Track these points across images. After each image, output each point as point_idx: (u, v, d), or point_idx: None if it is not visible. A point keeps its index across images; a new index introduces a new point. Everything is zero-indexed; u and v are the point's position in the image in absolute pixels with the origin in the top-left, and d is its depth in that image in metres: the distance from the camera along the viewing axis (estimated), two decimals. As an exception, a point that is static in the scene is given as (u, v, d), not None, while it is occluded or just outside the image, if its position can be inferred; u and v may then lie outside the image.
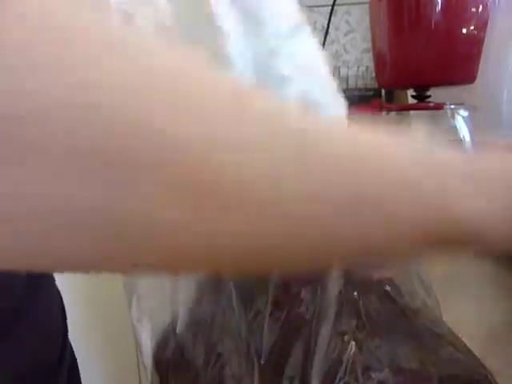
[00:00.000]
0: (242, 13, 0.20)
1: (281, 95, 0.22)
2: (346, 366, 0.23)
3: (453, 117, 0.77)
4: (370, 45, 0.95)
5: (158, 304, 0.25)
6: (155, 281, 0.25)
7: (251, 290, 0.23)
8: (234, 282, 0.24)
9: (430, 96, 0.77)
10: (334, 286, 0.23)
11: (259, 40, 0.21)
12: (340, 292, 0.24)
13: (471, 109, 0.76)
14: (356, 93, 1.23)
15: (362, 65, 1.23)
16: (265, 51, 0.21)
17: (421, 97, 0.77)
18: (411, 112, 0.79)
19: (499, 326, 0.44)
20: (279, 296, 0.23)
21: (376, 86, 1.11)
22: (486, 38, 0.71)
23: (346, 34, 1.22)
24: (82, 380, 0.53)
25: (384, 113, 0.79)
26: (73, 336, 0.55)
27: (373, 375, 0.23)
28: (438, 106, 0.76)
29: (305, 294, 0.23)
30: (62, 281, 0.54)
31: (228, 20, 0.20)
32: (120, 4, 0.19)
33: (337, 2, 0.92)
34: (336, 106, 0.25)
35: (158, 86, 0.13)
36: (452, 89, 0.79)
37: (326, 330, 0.23)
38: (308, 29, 0.24)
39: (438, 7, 0.68)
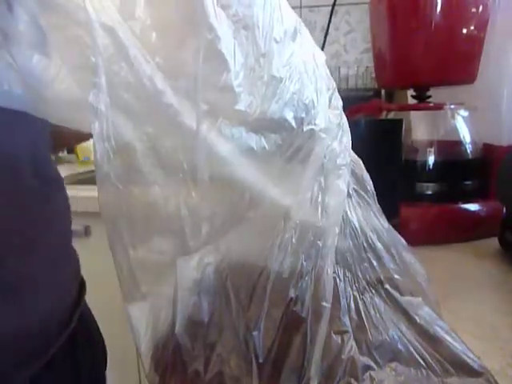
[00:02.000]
0: (233, 16, 0.20)
1: (271, 96, 0.22)
2: (346, 366, 0.23)
3: (453, 117, 0.77)
4: (369, 45, 0.95)
5: (158, 304, 0.25)
6: (155, 281, 0.25)
7: (249, 289, 0.23)
8: (232, 282, 0.24)
9: (430, 96, 0.77)
10: (329, 283, 0.23)
11: (249, 43, 0.21)
12: (337, 290, 0.24)
13: (471, 109, 0.76)
14: (356, 93, 1.23)
15: (361, 65, 1.23)
16: (256, 54, 0.21)
17: (421, 97, 0.77)
18: (411, 112, 0.79)
19: (499, 325, 0.44)
20: (276, 295, 0.23)
21: (376, 86, 1.12)
22: (486, 38, 0.71)
23: (345, 34, 1.22)
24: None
25: (384, 113, 0.79)
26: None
27: (373, 375, 0.23)
28: (438, 106, 0.76)
29: (301, 292, 0.23)
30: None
31: (220, 22, 0.20)
32: (101, 18, 0.19)
33: (337, 2, 0.92)
34: (331, 106, 0.25)
35: None
36: (452, 89, 0.79)
37: (323, 329, 0.23)
38: (304, 31, 0.23)
39: (438, 7, 0.68)
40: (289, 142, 0.23)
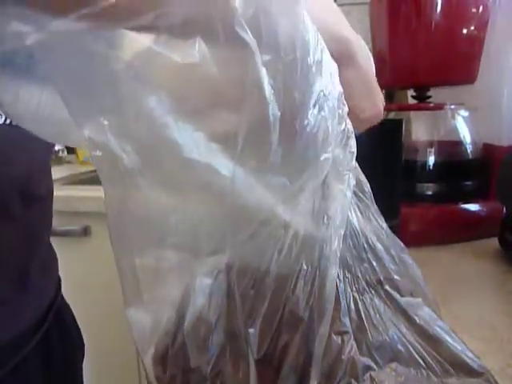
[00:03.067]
0: (273, 73, 0.20)
1: (299, 143, 0.22)
2: (346, 366, 0.23)
3: (453, 117, 0.77)
4: (370, 45, 0.95)
5: (160, 308, 0.25)
6: (159, 286, 0.25)
7: (249, 289, 0.24)
8: (238, 285, 0.24)
9: (430, 96, 0.77)
10: (332, 284, 0.23)
11: (287, 96, 0.20)
12: (338, 291, 0.24)
13: (471, 109, 0.76)
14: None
15: (362, 65, 1.23)
16: (291, 107, 0.21)
17: (421, 97, 0.77)
18: (411, 112, 0.79)
19: (499, 326, 0.44)
20: (276, 294, 0.23)
21: (376, 86, 1.11)
22: (486, 38, 0.71)
23: (346, 34, 1.22)
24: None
25: (384, 113, 0.79)
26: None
27: (373, 375, 0.23)
28: (438, 106, 0.76)
29: (301, 291, 0.23)
30: (62, 281, 0.54)
31: (267, 84, 0.19)
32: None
33: (337, 2, 0.92)
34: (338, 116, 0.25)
35: None
36: (452, 89, 0.79)
37: (324, 330, 0.23)
38: (325, 49, 0.23)
39: (438, 7, 0.68)
40: (305, 174, 0.23)
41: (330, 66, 0.23)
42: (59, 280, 0.51)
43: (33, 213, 0.42)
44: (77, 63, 0.19)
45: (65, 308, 0.52)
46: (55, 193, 1.02)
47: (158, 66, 0.19)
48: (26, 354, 0.40)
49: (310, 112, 0.22)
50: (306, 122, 0.21)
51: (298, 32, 0.20)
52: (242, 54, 0.18)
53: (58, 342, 0.47)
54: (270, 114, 0.20)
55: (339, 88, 0.24)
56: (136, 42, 0.18)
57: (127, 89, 0.19)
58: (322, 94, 0.22)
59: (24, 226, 0.40)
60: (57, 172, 1.25)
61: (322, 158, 0.23)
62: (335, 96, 0.23)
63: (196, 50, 0.18)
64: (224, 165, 0.21)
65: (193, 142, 0.20)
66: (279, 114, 0.20)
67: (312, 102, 0.21)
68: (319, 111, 0.22)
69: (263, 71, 0.19)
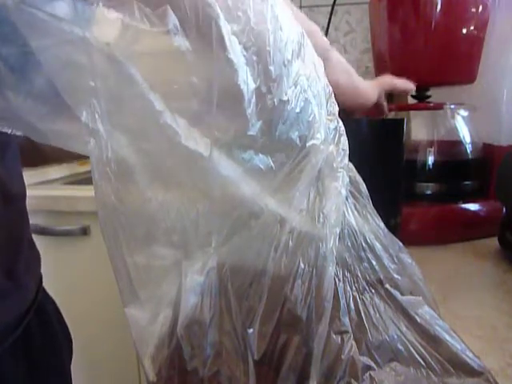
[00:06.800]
0: (245, 43, 0.20)
1: (279, 119, 0.22)
2: (346, 366, 0.23)
3: (453, 117, 0.77)
4: (369, 45, 0.95)
5: (157, 307, 0.25)
6: (154, 285, 0.25)
7: (246, 289, 0.23)
8: (232, 283, 0.24)
9: (429, 96, 0.77)
10: (329, 283, 0.23)
11: (261, 69, 0.21)
12: (337, 290, 0.24)
13: (471, 109, 0.76)
14: (356, 93, 1.23)
15: (361, 65, 1.23)
16: (267, 80, 0.21)
17: (421, 97, 0.77)
18: (411, 112, 0.79)
19: (499, 325, 0.44)
20: (273, 294, 0.23)
21: (376, 86, 1.11)
22: (485, 38, 0.71)
23: (345, 34, 1.22)
24: (83, 380, 0.54)
25: (384, 113, 0.78)
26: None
27: (373, 375, 0.23)
28: (438, 106, 0.76)
29: (299, 290, 0.23)
30: (62, 281, 0.54)
31: (235, 52, 0.20)
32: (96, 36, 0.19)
33: (337, 2, 0.92)
34: (328, 113, 0.25)
35: None
36: (451, 88, 0.79)
37: (322, 328, 0.23)
38: (306, 42, 0.23)
39: (438, 7, 0.68)
40: (292, 159, 0.23)
41: (314, 58, 0.24)
42: (41, 277, 0.52)
43: (11, 212, 0.44)
44: (58, 44, 0.19)
45: (46, 300, 0.53)
46: (55, 193, 1.02)
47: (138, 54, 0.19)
48: (6, 350, 0.41)
49: (291, 90, 0.22)
50: (284, 97, 0.22)
51: (266, 5, 0.21)
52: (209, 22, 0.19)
53: (38, 335, 0.48)
54: (241, 81, 0.20)
55: (326, 82, 0.25)
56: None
57: (110, 72, 0.19)
58: (303, 77, 0.22)
59: (5, 224, 0.42)
60: (56, 172, 1.25)
61: (309, 144, 0.23)
62: (321, 86, 0.24)
63: (169, 21, 0.19)
64: (204, 145, 0.21)
65: (188, 131, 0.21)
66: (255, 85, 0.21)
67: (290, 80, 0.22)
68: (301, 92, 0.22)
69: (233, 39, 0.20)
